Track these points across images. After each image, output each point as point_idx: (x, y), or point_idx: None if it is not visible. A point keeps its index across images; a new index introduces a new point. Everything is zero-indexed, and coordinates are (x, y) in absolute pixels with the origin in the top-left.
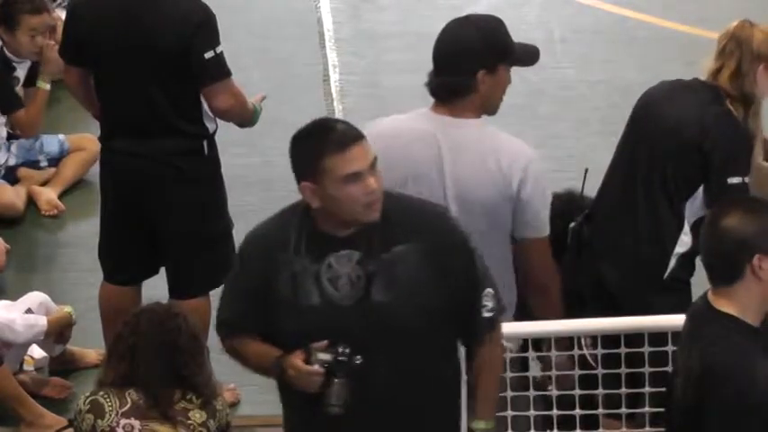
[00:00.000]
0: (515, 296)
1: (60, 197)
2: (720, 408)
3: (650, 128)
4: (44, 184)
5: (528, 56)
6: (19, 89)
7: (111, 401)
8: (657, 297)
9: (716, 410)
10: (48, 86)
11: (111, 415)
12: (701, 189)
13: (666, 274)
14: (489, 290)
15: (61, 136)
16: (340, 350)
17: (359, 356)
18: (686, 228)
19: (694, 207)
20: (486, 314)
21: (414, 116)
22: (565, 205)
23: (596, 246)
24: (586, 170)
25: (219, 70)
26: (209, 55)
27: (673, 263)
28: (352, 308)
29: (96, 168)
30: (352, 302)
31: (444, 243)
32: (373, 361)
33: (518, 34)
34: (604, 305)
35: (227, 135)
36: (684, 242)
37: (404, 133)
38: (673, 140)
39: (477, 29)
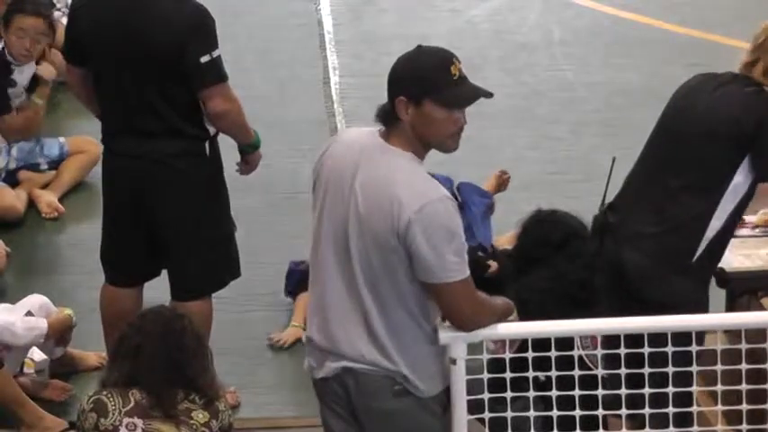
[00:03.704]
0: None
1: (61, 199)
2: None
3: (683, 116)
4: (45, 186)
5: (460, 100)
6: (20, 92)
7: (114, 401)
8: (679, 281)
9: None
10: (40, 102)
11: (114, 414)
12: (737, 174)
13: (694, 259)
14: None
15: (62, 139)
16: None
17: None
18: (718, 213)
19: (735, 191)
20: None
21: (366, 131)
22: (547, 225)
23: (621, 233)
24: (614, 159)
25: (215, 74)
26: (204, 59)
27: (702, 247)
28: None
29: (97, 171)
30: None
31: None
32: None
33: (518, 36)
34: (622, 295)
35: (228, 137)
36: (715, 227)
37: (346, 144)
38: (707, 124)
39: (413, 58)
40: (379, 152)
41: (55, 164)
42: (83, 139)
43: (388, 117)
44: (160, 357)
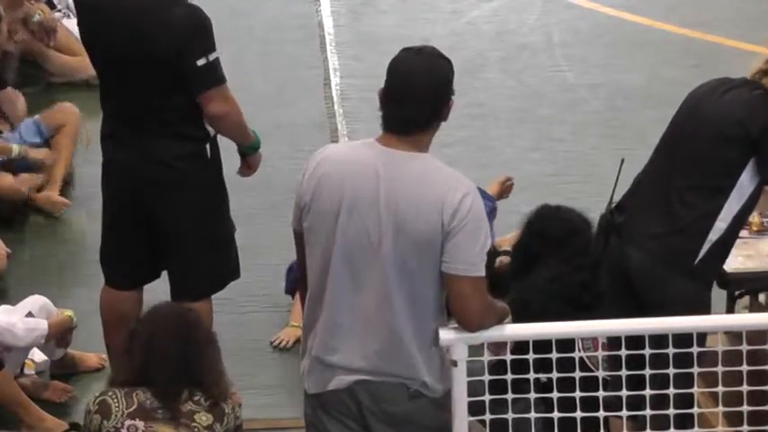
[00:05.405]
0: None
1: (61, 195)
2: None
3: (691, 118)
4: (40, 189)
5: None
6: None
7: (118, 402)
8: (682, 282)
9: None
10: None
11: (117, 416)
12: (742, 176)
13: (697, 261)
14: None
15: (36, 117)
16: None
17: None
18: (722, 214)
19: (741, 193)
20: None
21: (359, 145)
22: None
23: (626, 232)
24: (622, 160)
25: (212, 77)
26: (201, 62)
27: (705, 249)
28: None
29: (98, 174)
30: None
31: None
32: None
33: (519, 38)
34: (625, 295)
35: (227, 139)
36: (719, 228)
37: (345, 161)
38: (713, 126)
39: (443, 57)
40: (399, 162)
41: (41, 144)
42: (57, 109)
43: (427, 124)
44: (170, 351)
